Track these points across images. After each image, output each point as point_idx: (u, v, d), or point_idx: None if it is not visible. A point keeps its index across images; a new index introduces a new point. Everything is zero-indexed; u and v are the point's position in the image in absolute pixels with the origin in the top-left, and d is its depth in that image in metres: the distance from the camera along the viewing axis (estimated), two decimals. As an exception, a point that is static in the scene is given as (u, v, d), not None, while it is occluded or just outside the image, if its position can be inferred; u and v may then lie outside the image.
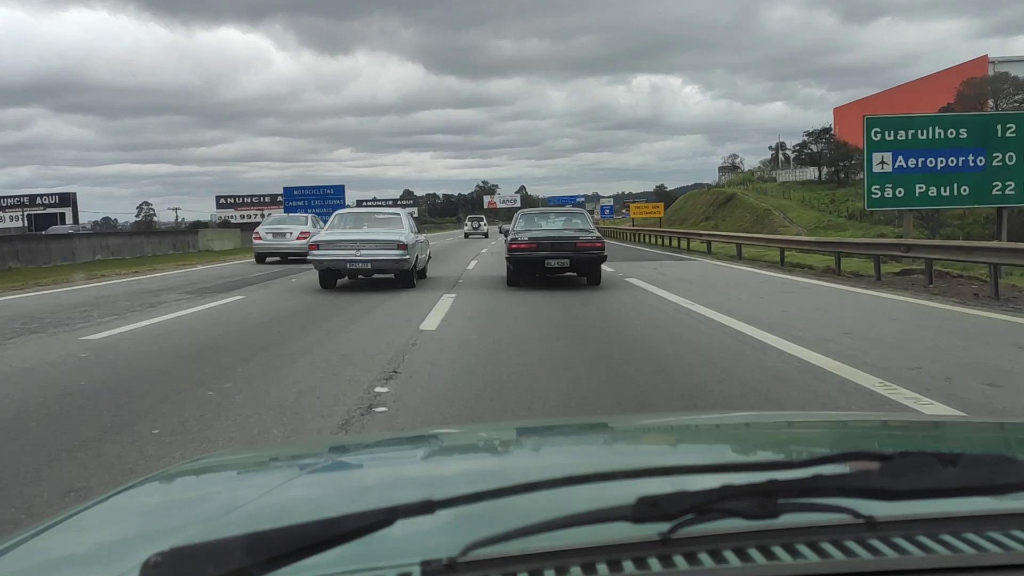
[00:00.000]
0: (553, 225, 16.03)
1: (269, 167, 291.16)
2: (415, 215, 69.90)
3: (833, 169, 68.47)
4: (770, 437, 1.78)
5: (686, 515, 0.85)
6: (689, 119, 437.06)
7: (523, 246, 14.98)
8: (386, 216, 16.77)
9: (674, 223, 68.74)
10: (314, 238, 15.28)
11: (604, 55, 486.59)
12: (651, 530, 0.85)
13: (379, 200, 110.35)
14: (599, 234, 15.31)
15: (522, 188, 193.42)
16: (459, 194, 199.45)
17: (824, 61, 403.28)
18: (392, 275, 15.18)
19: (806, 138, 78.44)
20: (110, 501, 1.30)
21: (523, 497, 0.90)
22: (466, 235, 61.94)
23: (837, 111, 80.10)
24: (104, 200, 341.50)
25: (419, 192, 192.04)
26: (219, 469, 1.63)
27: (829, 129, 74.80)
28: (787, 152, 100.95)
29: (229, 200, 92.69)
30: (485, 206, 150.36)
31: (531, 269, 14.89)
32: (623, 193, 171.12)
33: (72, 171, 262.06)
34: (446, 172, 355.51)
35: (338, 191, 46.58)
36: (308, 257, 15.04)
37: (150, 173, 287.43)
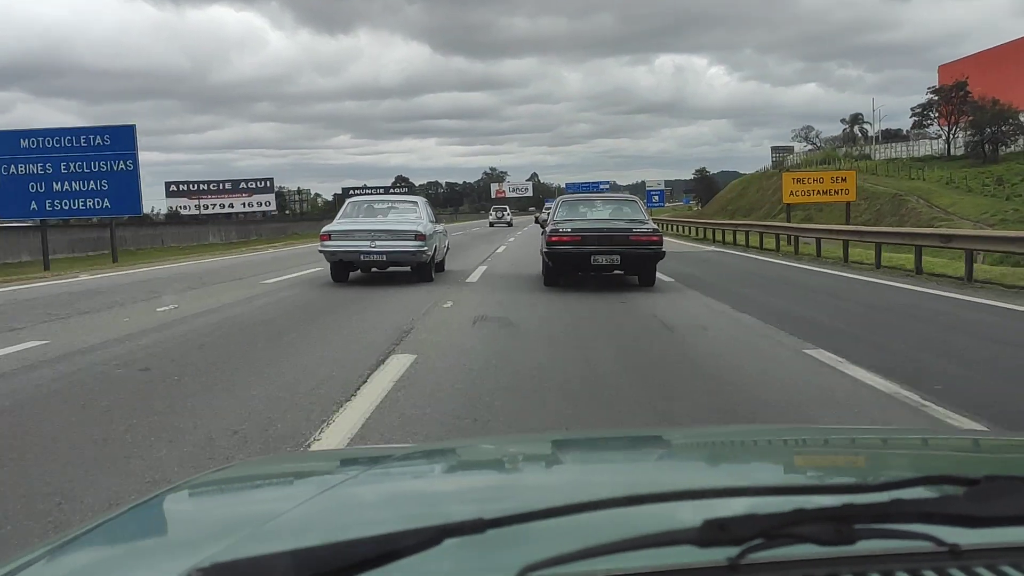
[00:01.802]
0: (600, 214, 14.31)
1: (263, 154, 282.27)
2: None
3: (977, 138, 53.02)
4: (844, 456, 1.68)
5: (755, 539, 0.82)
6: (714, 102, 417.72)
7: (565, 239, 13.08)
8: (403, 204, 16.15)
9: (734, 214, 58.96)
10: (325, 228, 14.72)
11: (624, 33, 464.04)
12: (719, 555, 0.83)
13: (370, 188, 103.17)
14: (655, 225, 13.69)
15: (534, 176, 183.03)
16: (464, 182, 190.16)
17: (862, 39, 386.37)
18: (409, 268, 14.55)
19: (932, 96, 63.19)
20: (140, 510, 1.29)
21: (580, 517, 0.86)
22: (491, 224, 63.22)
23: (943, 67, 72.60)
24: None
25: (419, 180, 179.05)
26: (247, 479, 1.58)
27: (964, 84, 59.03)
28: (864, 126, 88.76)
29: (182, 187, 78.59)
30: (493, 195, 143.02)
31: (574, 266, 13.09)
32: (642, 182, 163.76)
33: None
34: (452, 160, 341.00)
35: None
36: (319, 248, 14.53)
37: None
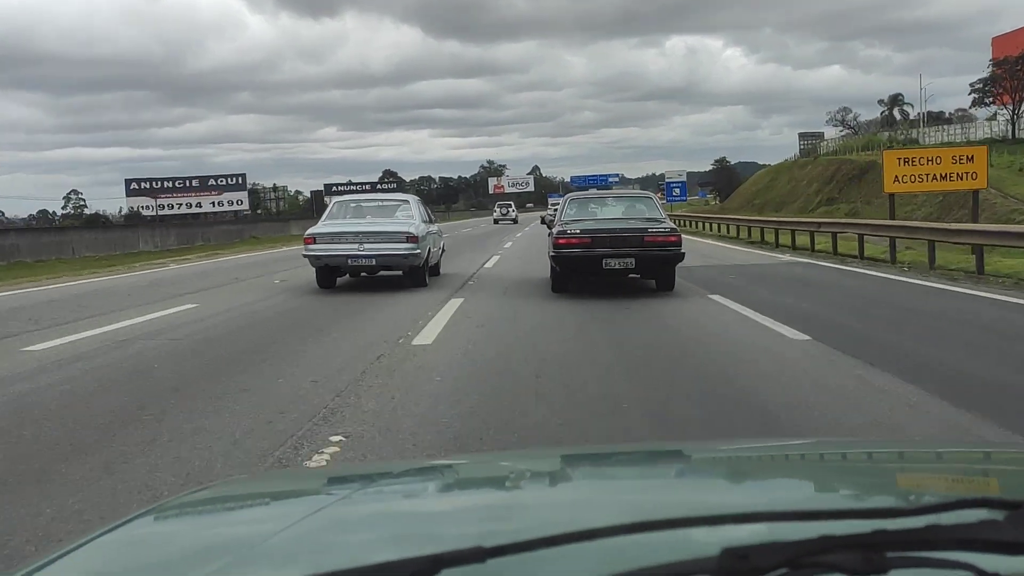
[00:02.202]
0: (612, 213, 13.77)
1: (243, 149, 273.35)
2: None
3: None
4: (873, 475, 1.60)
5: (779, 569, 0.79)
6: (730, 87, 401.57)
7: (574, 241, 12.42)
8: (393, 203, 15.95)
9: (762, 209, 53.24)
10: (310, 230, 14.54)
11: (632, 13, 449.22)
12: None
13: (355, 184, 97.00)
14: (673, 224, 13.13)
15: (535, 169, 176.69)
16: (459, 177, 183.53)
17: (891, 17, 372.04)
18: (401, 272, 14.36)
19: (995, 70, 57.19)
20: (112, 535, 1.25)
21: (587, 545, 0.84)
22: (495, 221, 65.32)
23: (997, 40, 67.47)
24: (55, 189, 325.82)
25: (411, 175, 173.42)
26: (229, 500, 1.54)
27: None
28: (905, 107, 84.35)
29: (144, 185, 72.62)
30: (491, 190, 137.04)
31: (584, 271, 12.57)
32: (653, 174, 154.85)
33: (18, 156, 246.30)
34: (446, 153, 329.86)
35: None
36: (304, 252, 14.33)
37: (106, 158, 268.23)
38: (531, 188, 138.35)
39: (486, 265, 19.59)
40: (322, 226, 14.58)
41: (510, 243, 31.34)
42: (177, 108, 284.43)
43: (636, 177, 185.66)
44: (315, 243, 14.10)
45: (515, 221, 63.89)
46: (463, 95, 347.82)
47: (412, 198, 16.24)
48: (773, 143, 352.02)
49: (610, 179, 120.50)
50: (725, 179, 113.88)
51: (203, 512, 1.47)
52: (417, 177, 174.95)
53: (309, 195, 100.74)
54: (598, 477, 1.65)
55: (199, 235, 42.53)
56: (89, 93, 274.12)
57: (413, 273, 14.29)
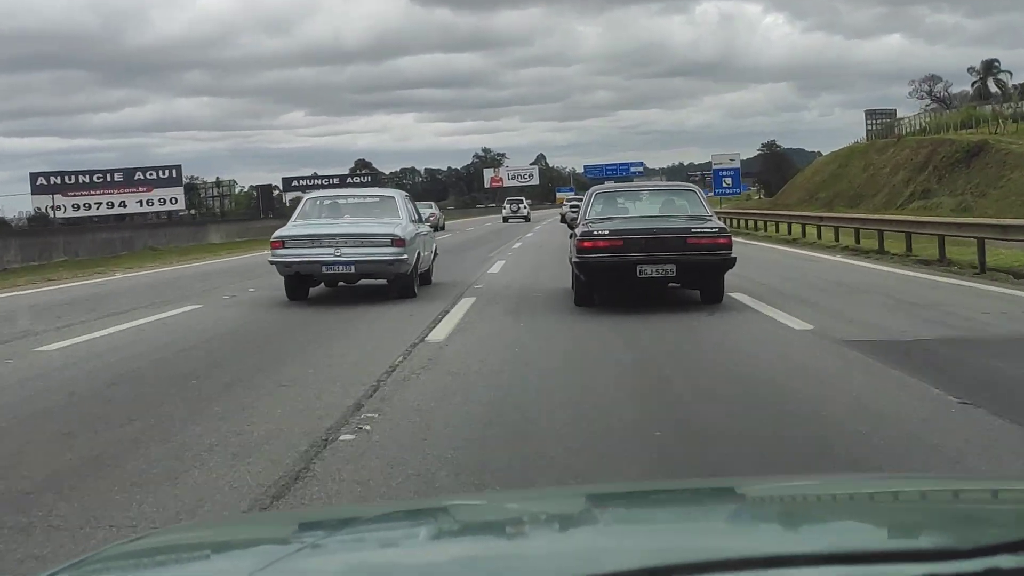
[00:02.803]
0: (647, 210, 12.53)
1: (195, 138, 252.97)
2: None
3: None
4: (926, 512, 1.51)
5: None
6: (771, 61, 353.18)
7: (602, 244, 11.13)
8: (375, 200, 14.90)
9: (831, 203, 45.77)
10: (278, 233, 13.60)
11: None
12: None
13: (320, 178, 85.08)
14: (721, 223, 12.19)
15: (540, 159, 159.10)
16: (448, 168, 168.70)
17: None
18: (385, 281, 13.42)
19: None
20: None
21: None
22: (505, 219, 63.52)
23: None
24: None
25: (390, 166, 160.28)
26: (168, 551, 1.41)
27: None
28: (1001, 76, 75.32)
29: (54, 181, 62.95)
30: (487, 184, 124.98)
31: (614, 280, 11.50)
32: (680, 164, 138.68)
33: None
34: (435, 140, 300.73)
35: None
36: (270, 258, 13.40)
37: (31, 149, 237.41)
38: (535, 180, 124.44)
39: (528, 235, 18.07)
40: (292, 227, 13.84)
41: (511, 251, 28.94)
42: (115, 90, 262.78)
43: (661, 168, 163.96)
44: (284, 247, 13.20)
45: (527, 219, 63.01)
46: (455, 72, 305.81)
47: (398, 194, 15.46)
48: (823, 126, 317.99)
49: (632, 169, 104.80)
50: (773, 168, 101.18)
51: (135, 566, 1.32)
52: (398, 169, 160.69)
53: (253, 190, 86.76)
54: (607, 521, 1.50)
55: (60, 245, 29.00)
56: (11, 72, 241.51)
57: (399, 282, 13.42)
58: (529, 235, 37.70)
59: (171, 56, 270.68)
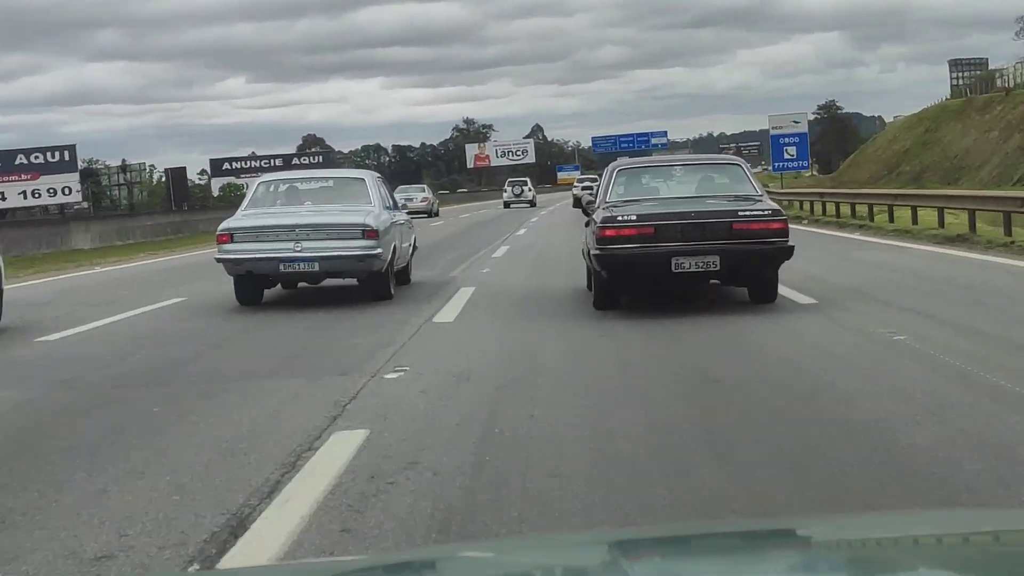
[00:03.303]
0: (681, 190, 11.19)
1: (109, 112, 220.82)
2: None
3: None
4: (963, 555, 1.48)
5: None
6: (820, 5, 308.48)
7: (628, 232, 9.75)
8: (341, 184, 13.54)
9: (919, 179, 37.90)
10: (225, 224, 12.35)
11: None
12: None
13: (259, 158, 69.01)
14: (775, 204, 11.02)
15: (536, 131, 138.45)
16: (423, 144, 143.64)
17: None
18: (356, 281, 12.45)
19: None
20: None
21: None
22: (506, 204, 60.68)
23: None
24: None
25: (349, 144, 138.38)
26: None
27: None
28: None
29: None
30: (470, 164, 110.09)
31: (644, 276, 10.40)
32: (710, 134, 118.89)
33: None
34: (407, 111, 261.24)
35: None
36: (217, 256, 12.23)
37: None
38: (530, 158, 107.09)
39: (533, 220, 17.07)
40: (242, 217, 12.61)
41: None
42: (10, 56, 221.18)
43: (686, 139, 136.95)
44: (232, 241, 11.93)
45: (532, 203, 59.93)
46: (431, 26, 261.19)
47: (369, 176, 14.17)
48: (885, 85, 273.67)
49: (653, 141, 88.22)
50: (834, 136, 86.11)
51: None
52: (359, 147, 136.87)
53: (163, 175, 68.03)
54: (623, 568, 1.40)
55: None
56: None
57: (373, 281, 12.19)
58: (533, 219, 36.36)
59: (79, 12, 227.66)
